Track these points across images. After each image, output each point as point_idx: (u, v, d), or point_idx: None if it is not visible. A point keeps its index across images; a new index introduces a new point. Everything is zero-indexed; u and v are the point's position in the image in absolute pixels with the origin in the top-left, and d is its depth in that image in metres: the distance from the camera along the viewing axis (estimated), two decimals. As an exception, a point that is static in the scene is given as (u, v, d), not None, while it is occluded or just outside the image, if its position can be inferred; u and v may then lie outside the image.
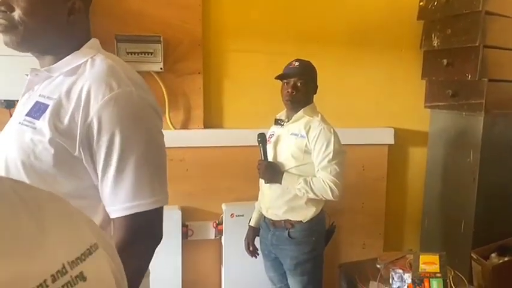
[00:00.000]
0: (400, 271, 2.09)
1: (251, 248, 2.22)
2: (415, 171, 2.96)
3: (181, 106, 2.50)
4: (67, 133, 0.88)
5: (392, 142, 2.80)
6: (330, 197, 1.90)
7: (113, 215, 0.92)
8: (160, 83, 2.41)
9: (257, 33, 2.56)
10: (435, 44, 2.67)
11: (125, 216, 0.90)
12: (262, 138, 2.05)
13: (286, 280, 2.12)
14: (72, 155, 0.89)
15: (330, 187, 1.88)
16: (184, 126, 2.52)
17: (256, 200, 2.21)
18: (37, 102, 0.91)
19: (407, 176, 2.97)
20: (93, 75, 0.91)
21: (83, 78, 0.91)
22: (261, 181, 2.09)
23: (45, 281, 0.34)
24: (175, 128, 2.49)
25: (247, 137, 2.26)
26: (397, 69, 2.80)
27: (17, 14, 0.87)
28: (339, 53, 2.69)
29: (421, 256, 1.86)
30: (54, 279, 0.34)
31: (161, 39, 2.33)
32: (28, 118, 0.90)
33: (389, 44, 2.76)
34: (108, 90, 0.88)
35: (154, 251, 0.99)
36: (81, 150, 0.89)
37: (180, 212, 2.44)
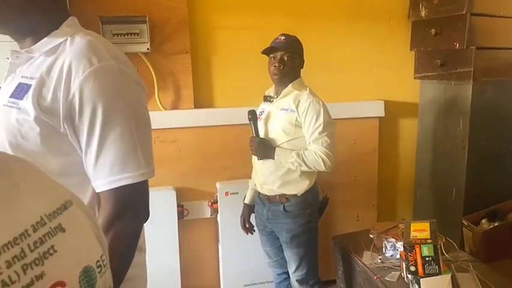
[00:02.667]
0: (393, 240, 2.14)
1: (247, 225, 2.25)
2: (407, 143, 2.98)
3: (171, 86, 2.49)
4: (51, 110, 0.88)
5: (383, 115, 2.81)
6: (322, 168, 1.92)
7: (98, 189, 0.92)
8: (148, 64, 2.39)
9: (244, 9, 2.54)
10: (423, 14, 2.66)
11: (111, 190, 0.90)
12: (253, 115, 2.05)
13: (282, 253, 2.16)
14: (58, 132, 0.89)
15: (322, 159, 1.90)
16: (175, 106, 2.52)
17: (250, 177, 2.23)
18: (20, 84, 0.91)
19: (399, 148, 3.00)
20: (74, 51, 0.91)
21: (63, 56, 0.90)
22: (254, 158, 2.10)
23: (26, 230, 0.36)
24: (165, 109, 2.48)
25: (238, 115, 2.26)
26: (386, 41, 2.80)
27: None
28: (327, 26, 2.67)
29: (412, 224, 1.89)
30: (34, 229, 0.37)
31: (147, 19, 2.31)
32: (12, 99, 0.90)
33: (377, 16, 2.75)
34: (89, 64, 0.88)
35: (142, 225, 1.00)
36: (65, 126, 0.89)
37: (174, 193, 2.45)
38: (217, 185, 2.55)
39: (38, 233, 0.37)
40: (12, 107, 0.90)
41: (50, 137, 0.89)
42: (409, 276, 1.76)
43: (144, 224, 1.01)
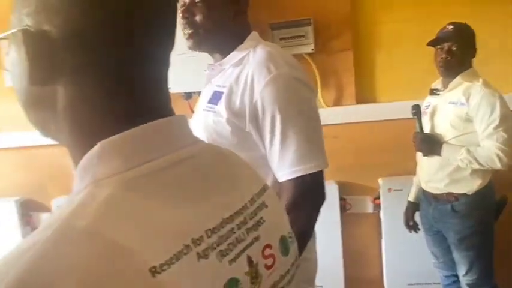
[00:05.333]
0: None
1: (411, 223, 2.19)
2: None
3: (333, 84, 2.58)
4: (239, 113, 1.07)
5: None
6: (497, 166, 1.76)
7: (281, 179, 1.08)
8: (312, 64, 2.52)
9: (408, 1, 2.46)
10: None
11: (291, 179, 1.05)
12: (417, 110, 2.00)
13: (451, 254, 2.04)
14: (244, 131, 1.08)
15: (498, 155, 1.74)
16: (337, 103, 2.59)
17: (413, 174, 2.16)
18: (215, 92, 1.13)
19: None
20: (256, 62, 1.08)
21: (248, 67, 1.09)
22: (419, 154, 2.04)
23: (245, 204, 0.50)
24: (327, 106, 2.58)
25: (402, 109, 2.21)
26: None
27: (198, 18, 1.09)
28: (500, 10, 2.38)
29: None
30: (250, 203, 0.50)
31: (311, 21, 2.44)
32: (209, 105, 1.13)
33: None
34: (268, 72, 1.05)
35: (318, 212, 1.12)
36: (250, 126, 1.07)
37: (336, 186, 2.54)
38: (380, 181, 2.54)
39: (252, 207, 0.50)
40: (209, 111, 1.12)
41: (238, 135, 1.08)
42: None
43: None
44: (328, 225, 2.54)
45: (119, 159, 0.41)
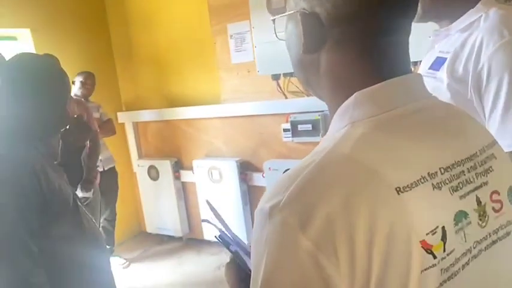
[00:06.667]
0: None
1: None
2: None
3: None
4: (461, 79, 1.05)
5: None
6: None
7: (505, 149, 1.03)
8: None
9: None
10: None
11: None
12: None
13: None
14: (465, 97, 1.06)
15: None
16: None
17: None
18: (437, 57, 1.13)
19: None
20: (486, 26, 1.03)
21: (476, 32, 1.05)
22: None
23: (475, 152, 0.57)
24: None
25: None
26: None
27: None
28: None
29: None
30: (480, 152, 0.57)
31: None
32: (430, 70, 1.14)
33: None
34: (500, 37, 0.99)
35: None
36: (472, 93, 1.05)
37: None
38: None
39: (482, 156, 0.56)
40: (429, 76, 1.13)
41: (458, 102, 1.07)
42: None
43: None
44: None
45: (371, 106, 0.53)
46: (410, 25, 0.57)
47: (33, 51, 3.23)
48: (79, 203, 1.25)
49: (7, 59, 1.23)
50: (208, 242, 3.58)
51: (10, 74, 1.18)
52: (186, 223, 3.79)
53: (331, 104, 0.59)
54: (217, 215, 0.82)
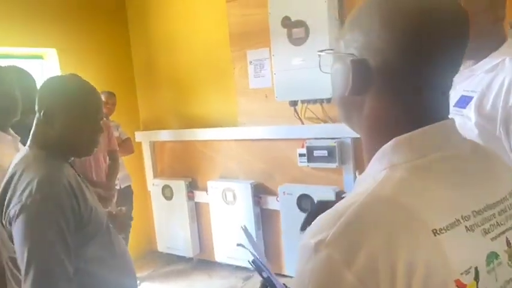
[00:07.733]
0: None
1: None
2: None
3: None
4: (489, 117, 1.09)
5: None
6: None
7: None
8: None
9: None
10: None
11: None
12: None
13: None
14: (493, 134, 1.09)
15: None
16: None
17: None
18: (462, 96, 1.17)
19: None
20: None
21: (502, 72, 1.10)
22: None
23: (505, 196, 0.61)
24: None
25: None
26: None
27: None
28: None
29: None
30: (510, 195, 0.62)
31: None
32: (456, 108, 1.17)
33: None
34: None
35: None
36: (501, 130, 1.08)
37: None
38: None
39: (511, 199, 0.61)
40: (456, 114, 1.17)
41: (486, 139, 1.10)
42: None
43: None
44: None
45: (409, 151, 0.58)
46: (452, 79, 0.62)
47: (58, 70, 3.35)
48: (110, 225, 1.29)
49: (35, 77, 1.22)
50: (219, 264, 3.59)
51: (45, 99, 1.21)
52: (198, 243, 3.81)
53: (368, 145, 0.64)
54: (252, 241, 0.86)
